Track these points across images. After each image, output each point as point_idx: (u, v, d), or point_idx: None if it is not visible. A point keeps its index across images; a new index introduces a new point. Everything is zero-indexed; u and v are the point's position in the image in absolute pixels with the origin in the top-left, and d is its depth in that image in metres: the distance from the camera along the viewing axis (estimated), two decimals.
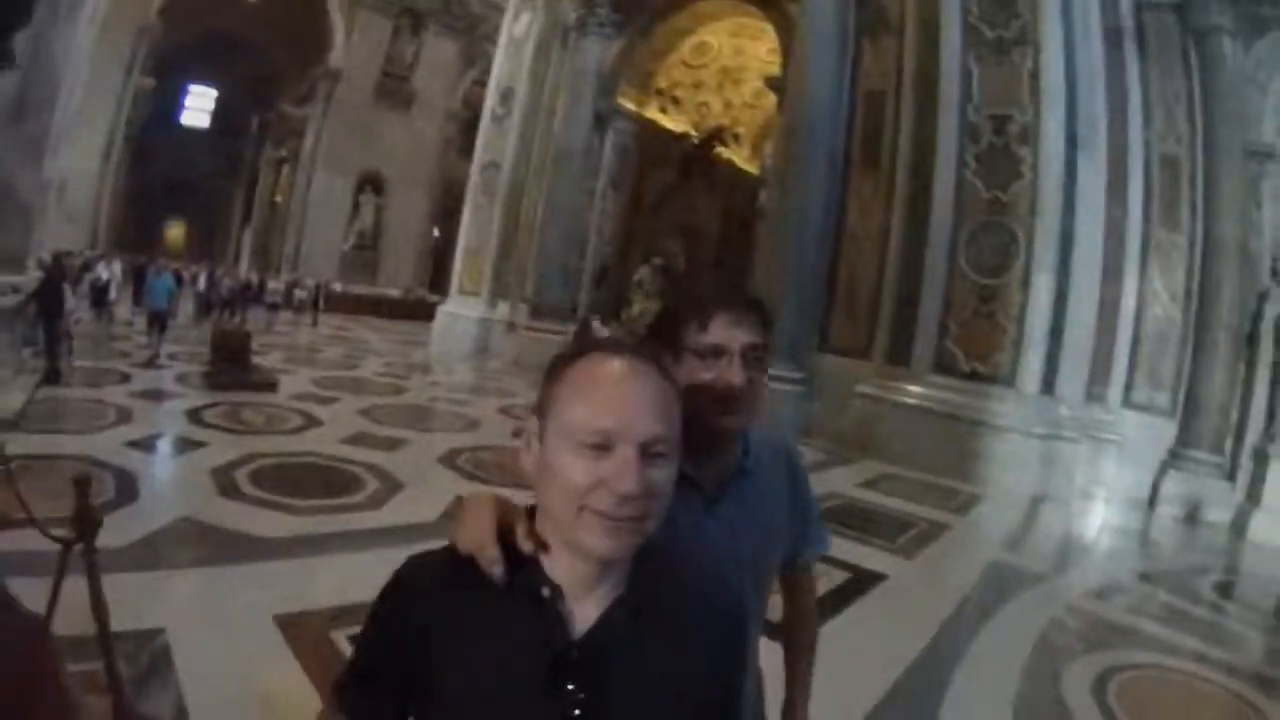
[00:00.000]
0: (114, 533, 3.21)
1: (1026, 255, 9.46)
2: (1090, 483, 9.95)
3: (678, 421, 0.83)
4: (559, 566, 0.84)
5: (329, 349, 14.31)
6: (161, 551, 3.91)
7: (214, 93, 35.18)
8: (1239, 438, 11.28)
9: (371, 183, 27.22)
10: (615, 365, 0.81)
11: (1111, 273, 11.02)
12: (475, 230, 16.88)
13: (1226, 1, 11.89)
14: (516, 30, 17.28)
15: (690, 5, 14.08)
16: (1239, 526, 9.38)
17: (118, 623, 2.38)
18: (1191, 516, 10.06)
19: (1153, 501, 10.29)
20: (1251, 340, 11.46)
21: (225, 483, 5.17)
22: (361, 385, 10.48)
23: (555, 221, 15.19)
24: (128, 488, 4.83)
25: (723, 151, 16.90)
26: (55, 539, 2.35)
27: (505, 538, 0.85)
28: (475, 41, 27.88)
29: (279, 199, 28.97)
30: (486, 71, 20.57)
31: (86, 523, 2.36)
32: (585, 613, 0.84)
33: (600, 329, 12.81)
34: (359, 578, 3.68)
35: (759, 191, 12.81)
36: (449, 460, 6.83)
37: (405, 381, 11.59)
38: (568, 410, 0.80)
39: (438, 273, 28.05)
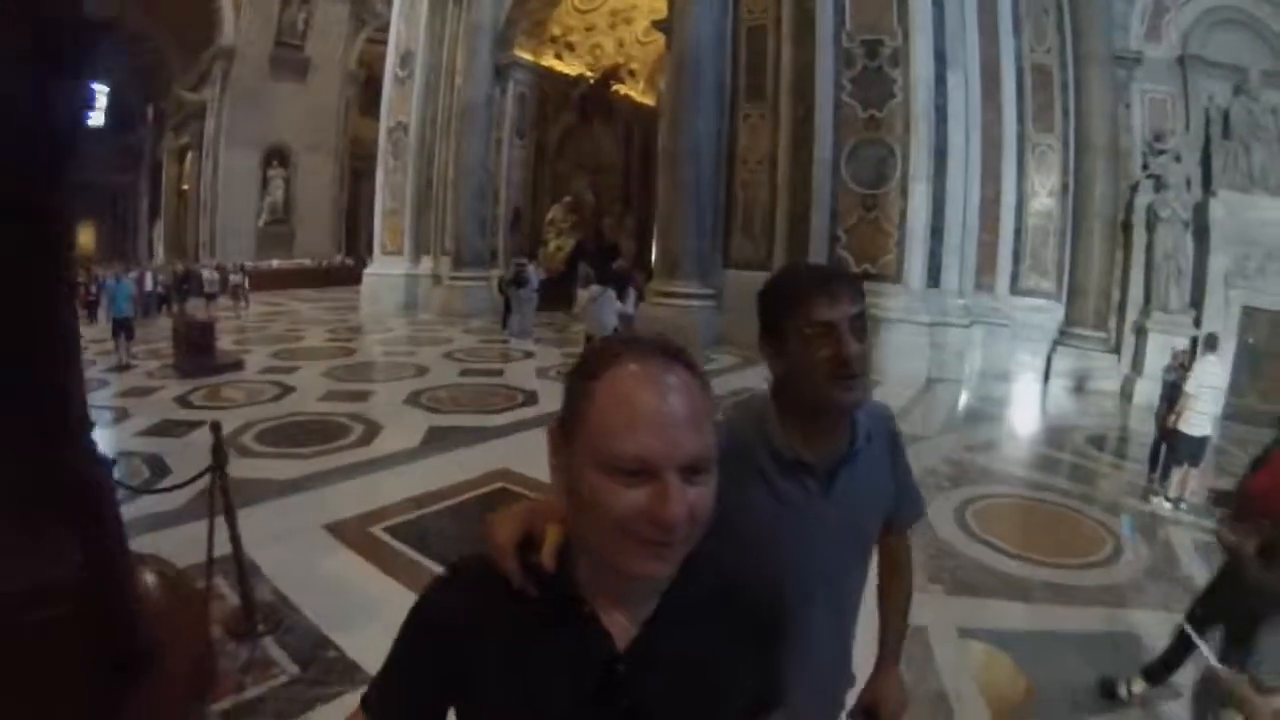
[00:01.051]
0: (166, 500, 4.12)
1: (903, 166, 10.83)
2: (985, 363, 11.46)
3: (712, 430, 0.81)
4: (596, 580, 0.85)
5: (271, 325, 15.01)
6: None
7: (104, 88, 35.07)
8: (1121, 315, 13.40)
9: (278, 156, 27.75)
10: (646, 378, 0.78)
11: (991, 174, 12.43)
12: (390, 192, 17.82)
13: None
14: None
15: None
16: (1126, 393, 11.29)
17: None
18: (1080, 387, 11.73)
19: (1046, 376, 12.04)
20: (1126, 228, 13.40)
21: (236, 446, 6.08)
22: (315, 352, 11.51)
23: (466, 175, 16.18)
24: (158, 466, 5.77)
25: (619, 89, 18.21)
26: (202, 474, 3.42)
27: (534, 546, 0.88)
28: (364, 0, 28.58)
29: (186, 187, 29.09)
30: (380, 29, 21.21)
31: (221, 453, 3.42)
32: (624, 623, 0.86)
33: (529, 267, 14.29)
34: (372, 492, 5.11)
35: (658, 122, 14.33)
36: (414, 400, 8.18)
37: (351, 343, 12.68)
38: (599, 433, 0.77)
39: (351, 237, 28.93)
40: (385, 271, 17.80)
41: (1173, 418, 7.27)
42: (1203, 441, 7.20)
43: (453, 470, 5.70)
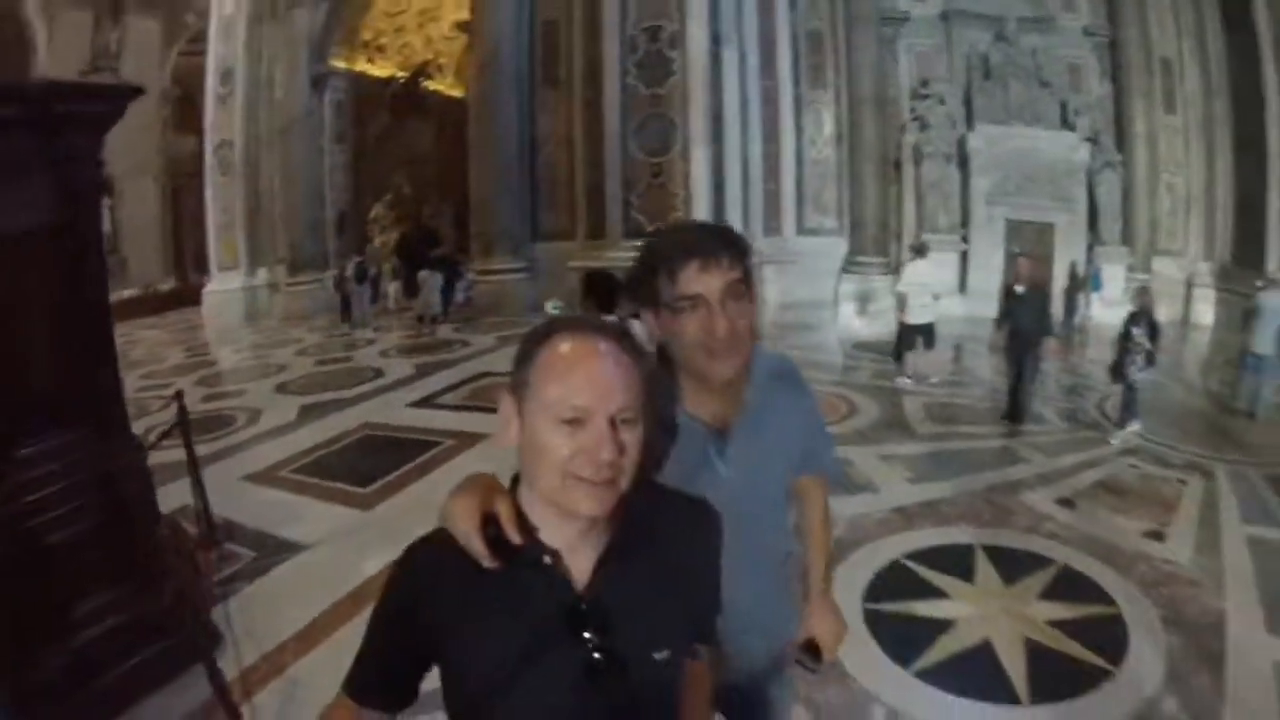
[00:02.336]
0: None
1: (684, 135, 13.09)
2: (780, 297, 13.83)
3: (641, 384, 1.06)
4: (551, 530, 1.07)
5: (131, 353, 15.20)
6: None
7: None
8: (900, 241, 16.29)
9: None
10: (581, 345, 1.03)
11: (771, 132, 15.00)
12: (221, 208, 19.24)
13: None
14: (226, 9, 19.23)
15: None
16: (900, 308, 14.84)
17: None
18: (863, 309, 14.79)
19: (835, 302, 15.07)
20: (898, 165, 16.40)
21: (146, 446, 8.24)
22: (181, 369, 12.77)
23: (293, 184, 18.04)
24: None
25: (430, 85, 20.56)
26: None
27: (493, 522, 1.07)
28: (175, 14, 29.97)
29: None
30: (191, 42, 22.70)
31: (185, 416, 5.03)
32: (582, 565, 1.08)
33: (361, 261, 16.78)
34: (271, 453, 7.19)
35: (468, 113, 16.97)
36: (282, 390, 10.21)
37: (210, 356, 14.21)
38: (543, 390, 1.02)
39: (179, 258, 30.53)
40: (225, 287, 19.12)
41: (899, 314, 10.38)
42: (926, 328, 10.07)
43: (327, 430, 7.79)
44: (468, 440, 7.07)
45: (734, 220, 13.70)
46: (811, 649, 1.76)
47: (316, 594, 4.11)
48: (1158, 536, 5.11)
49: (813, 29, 16.32)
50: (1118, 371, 7.77)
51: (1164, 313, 14.27)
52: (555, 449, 1.01)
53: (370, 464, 6.67)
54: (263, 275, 19.06)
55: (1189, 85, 18.00)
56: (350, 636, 3.35)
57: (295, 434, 7.87)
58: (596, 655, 1.05)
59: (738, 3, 14.54)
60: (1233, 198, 17.16)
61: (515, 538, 1.06)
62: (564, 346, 1.04)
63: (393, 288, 16.18)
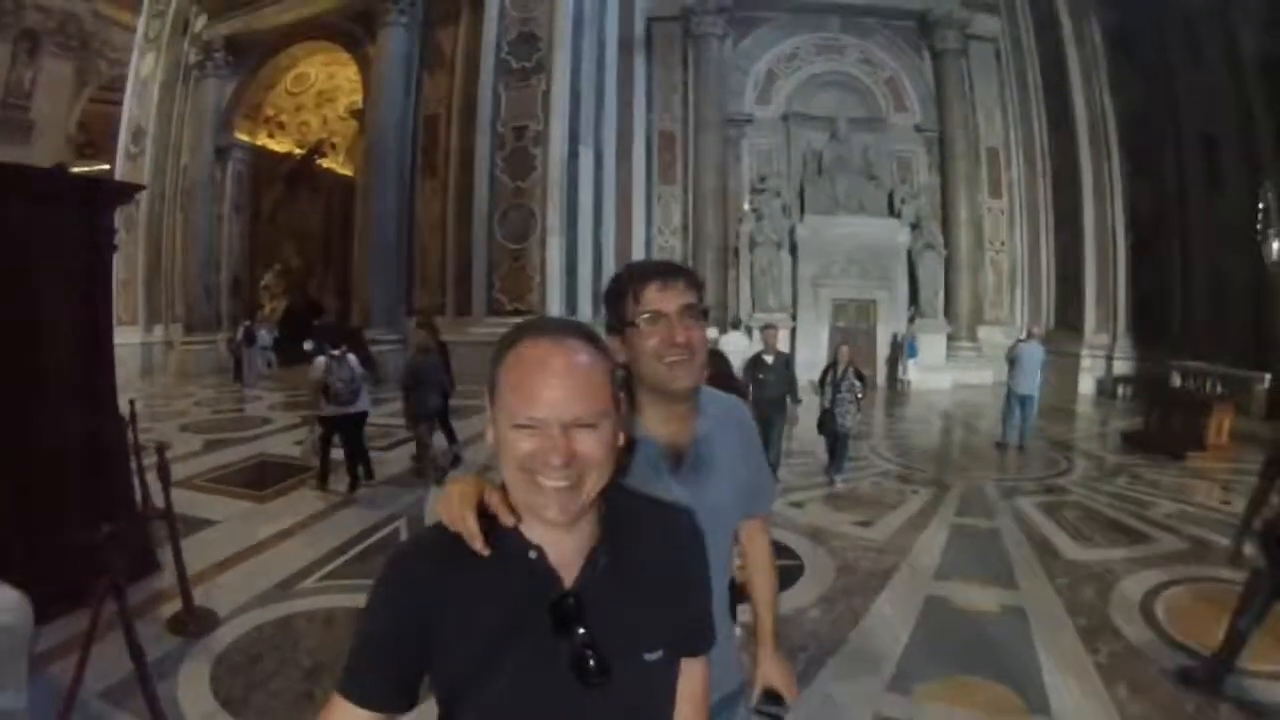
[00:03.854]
0: None
1: (542, 224, 15.43)
2: None
3: (604, 388, 1.09)
4: (536, 529, 1.12)
5: None
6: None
7: None
8: (735, 323, 19.39)
9: None
10: (541, 350, 1.07)
11: (624, 220, 17.64)
12: (123, 263, 20.03)
13: (717, 13, 19.56)
14: (143, 70, 21.05)
15: (289, 48, 19.17)
16: None
17: None
18: None
19: None
20: (736, 252, 19.13)
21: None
22: (142, 416, 13.65)
23: (193, 247, 19.71)
24: None
25: (323, 162, 22.53)
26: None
27: (486, 513, 1.12)
28: (89, 58, 31.25)
29: None
30: (102, 89, 24.19)
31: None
32: (570, 561, 1.13)
33: (257, 327, 18.71)
34: (187, 470, 8.86)
35: (355, 190, 19.20)
36: (186, 429, 11.91)
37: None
38: (506, 396, 1.07)
39: None
40: (122, 341, 20.48)
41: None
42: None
43: (227, 457, 9.74)
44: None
45: (585, 303, 16.16)
46: (771, 695, 1.89)
47: (226, 544, 6.30)
48: (865, 524, 6.95)
49: (665, 129, 19.23)
50: (826, 425, 8.58)
51: (988, 376, 17.39)
52: (514, 451, 1.06)
53: (264, 477, 8.85)
54: (159, 332, 20.79)
55: (1014, 172, 21.29)
56: (249, 570, 5.69)
57: (201, 459, 9.72)
58: (585, 651, 1.08)
59: (598, 105, 17.15)
60: (1054, 270, 20.30)
61: (508, 519, 1.12)
62: (525, 351, 1.08)
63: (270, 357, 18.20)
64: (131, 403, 7.02)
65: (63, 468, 4.90)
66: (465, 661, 1.09)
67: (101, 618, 3.13)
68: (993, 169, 21.28)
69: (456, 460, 9.09)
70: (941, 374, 18.71)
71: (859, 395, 8.58)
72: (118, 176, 21.36)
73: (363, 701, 1.10)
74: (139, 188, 7.98)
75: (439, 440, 9.15)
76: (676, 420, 1.63)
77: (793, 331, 18.47)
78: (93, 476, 5.18)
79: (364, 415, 8.35)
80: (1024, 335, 12.38)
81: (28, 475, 4.60)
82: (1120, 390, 16.86)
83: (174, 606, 4.89)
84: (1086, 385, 17.73)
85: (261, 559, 6.13)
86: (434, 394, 8.75)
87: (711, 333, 12.66)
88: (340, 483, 8.24)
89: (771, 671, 1.92)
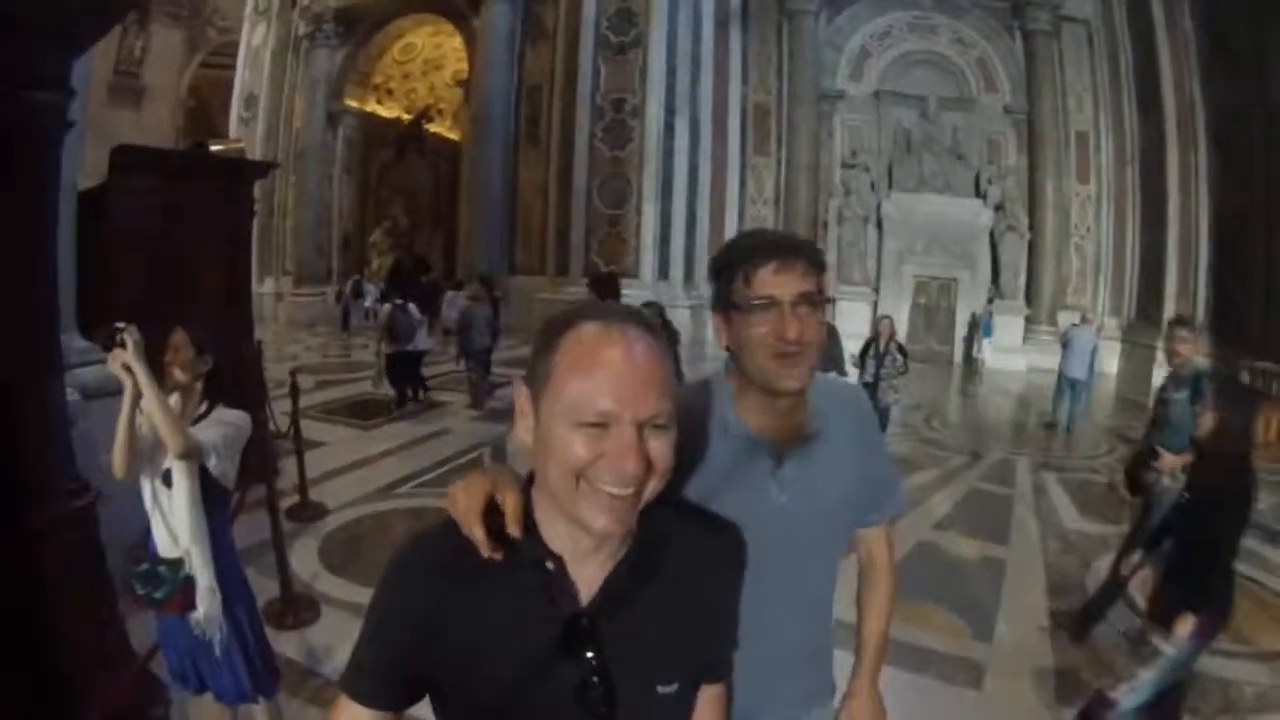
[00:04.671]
0: None
1: (638, 193, 16.14)
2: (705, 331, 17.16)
3: (674, 386, 0.98)
4: (560, 536, 1.02)
5: None
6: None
7: None
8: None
9: None
10: (608, 337, 0.95)
11: (719, 190, 18.33)
12: None
13: None
14: (254, 40, 22.37)
15: (397, 20, 20.21)
16: None
17: None
18: None
19: None
20: (825, 225, 19.90)
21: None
22: None
23: (304, 206, 20.98)
24: None
25: (430, 127, 23.53)
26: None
27: (498, 513, 1.02)
28: (199, 27, 32.88)
29: None
30: (213, 54, 25.18)
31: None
32: (589, 576, 1.03)
33: (365, 281, 20.06)
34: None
35: (461, 155, 19.91)
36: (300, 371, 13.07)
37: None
38: (563, 387, 0.94)
39: None
40: None
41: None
42: None
43: (337, 394, 10.87)
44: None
45: (676, 269, 16.90)
46: None
47: (336, 459, 7.36)
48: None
49: (760, 102, 19.74)
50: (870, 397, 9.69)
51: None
52: (572, 453, 0.94)
53: (368, 411, 9.91)
54: (270, 284, 22.09)
55: (1103, 157, 21.11)
56: (355, 479, 6.79)
57: (313, 395, 10.28)
58: (593, 677, 1.01)
59: (693, 78, 17.72)
60: (1139, 260, 20.01)
61: (515, 530, 1.02)
62: (590, 338, 0.96)
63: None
64: (259, 342, 7.81)
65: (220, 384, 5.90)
66: (464, 671, 1.03)
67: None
68: (1081, 153, 21.08)
69: (493, 389, 10.85)
70: (1016, 356, 18.95)
71: (901, 370, 8.60)
72: (230, 138, 22.81)
73: (365, 701, 1.06)
74: (273, 165, 8.92)
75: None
76: (782, 413, 1.44)
77: (874, 305, 18.93)
78: (238, 394, 6.14)
79: (423, 353, 10.28)
80: (1078, 320, 12.67)
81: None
82: None
83: (291, 500, 5.86)
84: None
85: (365, 471, 7.25)
86: (483, 335, 10.48)
87: None
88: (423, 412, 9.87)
89: (860, 711, 1.71)
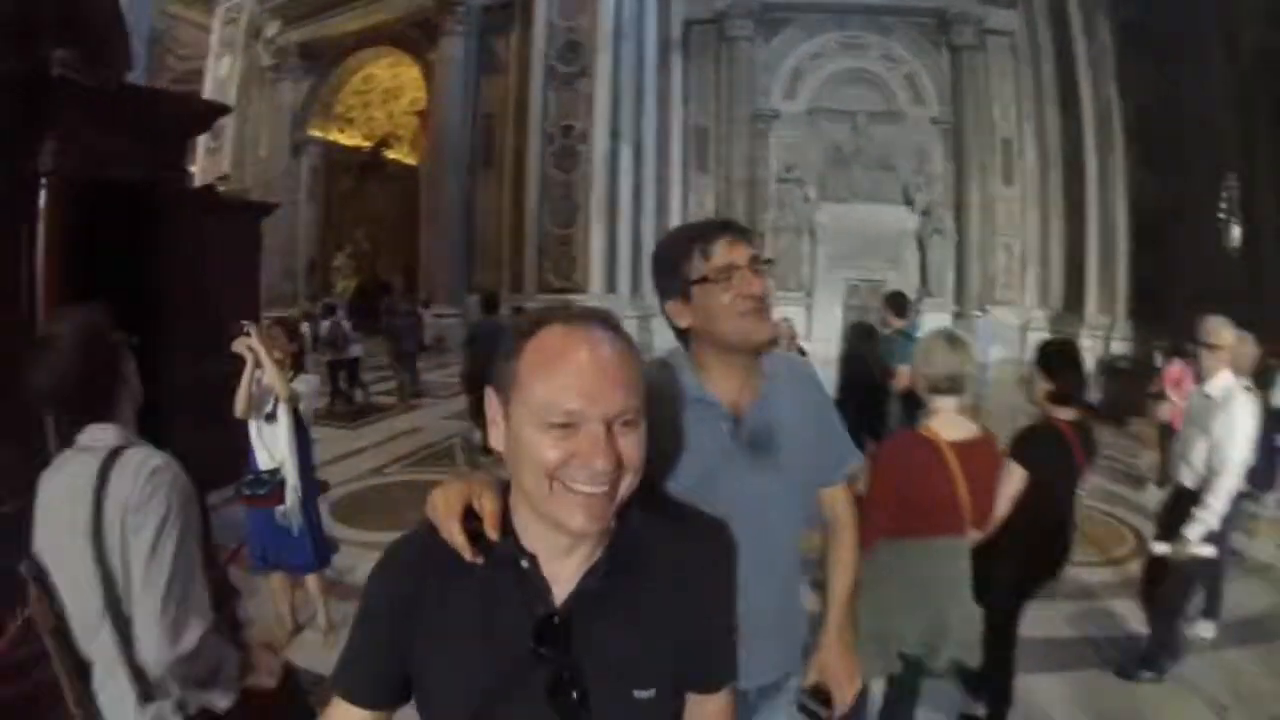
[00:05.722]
0: None
1: (586, 213, 17.60)
2: (661, 343, 19.38)
3: (641, 381, 1.00)
4: (535, 536, 1.03)
5: None
6: None
7: None
8: None
9: None
10: (572, 338, 0.97)
11: (664, 207, 19.76)
12: None
13: (748, 16, 21.51)
14: (220, 72, 23.41)
15: (357, 52, 21.49)
16: None
17: None
18: None
19: None
20: (762, 236, 21.28)
21: None
22: None
23: (271, 232, 22.76)
24: None
25: (389, 153, 24.65)
26: None
27: (478, 521, 1.05)
28: (158, 55, 33.29)
29: None
30: (174, 82, 25.65)
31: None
32: (565, 575, 1.04)
33: (329, 302, 21.24)
34: None
35: (419, 179, 20.74)
36: None
37: None
38: (531, 389, 0.95)
39: None
40: None
41: None
42: None
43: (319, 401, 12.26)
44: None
45: (623, 284, 18.34)
46: (820, 693, 1.70)
47: (329, 450, 8.25)
48: None
49: (700, 124, 21.29)
50: None
51: (995, 351, 18.86)
52: (542, 454, 0.95)
53: (349, 414, 11.49)
54: None
55: (1027, 160, 22.62)
56: (349, 464, 8.46)
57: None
58: (561, 676, 1.01)
59: (637, 104, 19.28)
60: (1064, 255, 21.68)
61: (492, 534, 1.04)
62: (554, 339, 0.98)
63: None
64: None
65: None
66: (444, 670, 1.05)
67: None
68: (1006, 158, 22.49)
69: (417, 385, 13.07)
70: None
71: None
72: (196, 166, 23.89)
73: (354, 699, 1.09)
74: (277, 205, 10.11)
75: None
76: (740, 378, 1.58)
77: (808, 310, 20.42)
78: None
79: (356, 359, 12.41)
80: (979, 311, 13.99)
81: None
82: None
83: None
84: (1087, 364, 19.29)
85: (355, 460, 8.73)
86: (410, 341, 12.99)
87: None
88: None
89: (832, 664, 1.77)
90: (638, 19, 19.46)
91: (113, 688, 1.62)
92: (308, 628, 4.39)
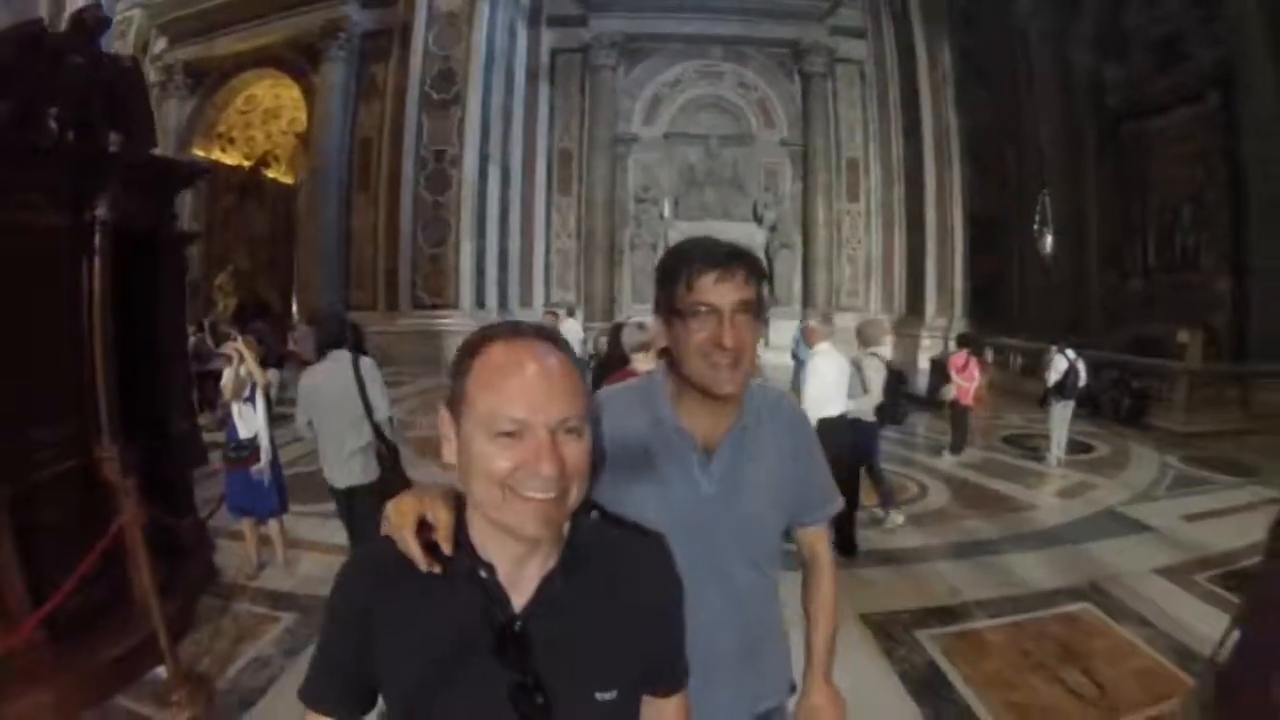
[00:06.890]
0: None
1: (456, 233, 19.13)
2: None
3: (584, 393, 1.06)
4: (492, 546, 1.07)
5: None
6: None
7: None
8: (621, 310, 23.37)
9: None
10: (515, 351, 1.04)
11: (529, 227, 21.65)
12: None
13: (611, 46, 23.31)
14: None
15: (242, 73, 22.40)
16: None
17: None
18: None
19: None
20: (621, 253, 23.26)
21: None
22: None
23: None
24: None
25: (268, 173, 25.30)
26: None
27: (431, 532, 1.09)
28: None
29: None
30: None
31: None
32: (523, 584, 1.08)
33: (214, 322, 22.44)
34: None
35: (297, 198, 21.89)
36: None
37: None
38: (477, 402, 1.02)
39: None
40: None
41: None
42: None
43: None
44: None
45: (491, 298, 20.18)
46: None
47: None
48: None
49: (564, 148, 23.28)
50: None
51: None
52: (492, 464, 1.00)
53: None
54: None
55: (872, 179, 24.91)
56: None
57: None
58: (525, 682, 1.04)
59: (506, 128, 21.13)
60: (905, 264, 23.81)
61: (445, 547, 1.08)
62: (498, 353, 1.04)
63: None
64: None
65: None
66: (408, 679, 1.08)
67: None
68: (851, 177, 24.68)
69: None
70: (788, 353, 22.80)
71: None
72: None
73: (320, 709, 1.14)
74: (198, 235, 11.43)
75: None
76: (714, 416, 1.54)
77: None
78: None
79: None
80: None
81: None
82: None
83: None
84: (925, 362, 20.41)
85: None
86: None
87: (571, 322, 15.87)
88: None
89: (818, 703, 1.73)
90: (509, 46, 21.23)
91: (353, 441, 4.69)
92: (269, 565, 5.76)
